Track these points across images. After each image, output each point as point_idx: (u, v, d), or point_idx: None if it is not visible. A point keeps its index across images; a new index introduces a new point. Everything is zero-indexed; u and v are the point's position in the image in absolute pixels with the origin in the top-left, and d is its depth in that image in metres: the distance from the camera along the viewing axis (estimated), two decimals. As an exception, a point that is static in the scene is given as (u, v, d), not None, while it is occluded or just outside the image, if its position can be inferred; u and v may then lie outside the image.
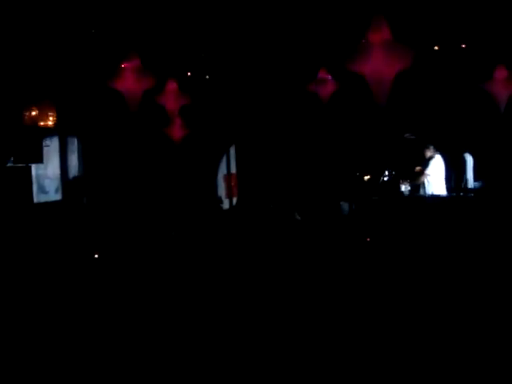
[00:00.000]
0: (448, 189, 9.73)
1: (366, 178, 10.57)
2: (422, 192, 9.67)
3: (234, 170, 12.15)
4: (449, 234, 8.13)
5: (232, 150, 12.18)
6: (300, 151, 11.43)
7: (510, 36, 8.59)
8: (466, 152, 10.43)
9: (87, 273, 7.13)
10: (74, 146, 10.72)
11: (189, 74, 10.62)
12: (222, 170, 12.11)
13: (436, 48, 9.28)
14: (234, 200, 12.03)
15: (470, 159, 10.44)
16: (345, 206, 10.35)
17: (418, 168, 9.71)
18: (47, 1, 7.32)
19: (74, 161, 10.70)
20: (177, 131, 9.59)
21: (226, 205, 11.98)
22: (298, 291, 6.24)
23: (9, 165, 9.35)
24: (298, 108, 10.91)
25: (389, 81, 5.51)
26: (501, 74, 8.29)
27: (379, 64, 5.51)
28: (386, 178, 9.83)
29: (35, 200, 9.76)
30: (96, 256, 7.78)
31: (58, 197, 10.39)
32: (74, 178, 10.71)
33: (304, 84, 9.08)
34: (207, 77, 11.02)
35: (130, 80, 6.98)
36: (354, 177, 10.44)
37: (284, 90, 10.77)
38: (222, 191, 12.09)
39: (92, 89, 9.67)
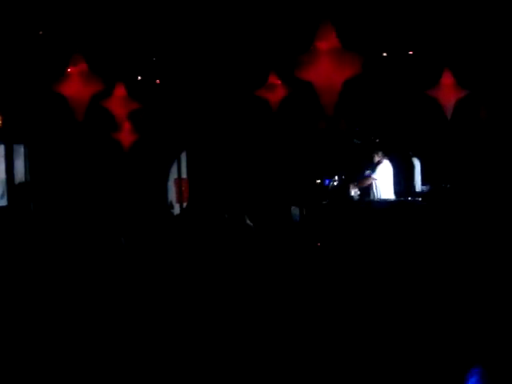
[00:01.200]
0: (396, 193, 9.86)
1: (317, 181, 10.65)
2: (370, 196, 9.79)
3: (184, 174, 12.08)
4: (397, 238, 8.24)
5: (183, 155, 12.11)
6: (251, 156, 11.44)
7: (456, 42, 8.76)
8: (413, 157, 10.61)
9: (33, 278, 6.97)
10: (19, 151, 10.50)
11: (139, 78, 10.52)
12: (173, 175, 12.03)
13: (384, 54, 9.40)
14: (185, 205, 11.95)
15: (417, 164, 10.62)
16: (295, 210, 10.39)
17: (367, 172, 9.83)
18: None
19: (19, 167, 10.48)
20: (126, 136, 9.46)
21: (176, 210, 11.89)
22: (248, 297, 6.21)
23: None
24: (248, 113, 10.91)
25: (337, 88, 5.53)
26: (447, 80, 8.43)
27: (327, 71, 5.53)
28: (335, 183, 9.92)
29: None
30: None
31: (3, 202, 10.16)
32: (20, 183, 10.49)
33: (254, 89, 9.08)
34: (158, 81, 10.93)
35: (76, 85, 6.84)
36: (305, 182, 10.50)
37: (235, 95, 10.75)
38: (172, 196, 12.01)
39: (38, 94, 9.48)
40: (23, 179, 10.55)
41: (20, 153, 10.50)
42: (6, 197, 10.26)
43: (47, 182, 10.51)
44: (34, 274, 7.42)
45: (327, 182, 10.00)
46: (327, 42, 5.51)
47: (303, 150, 11.06)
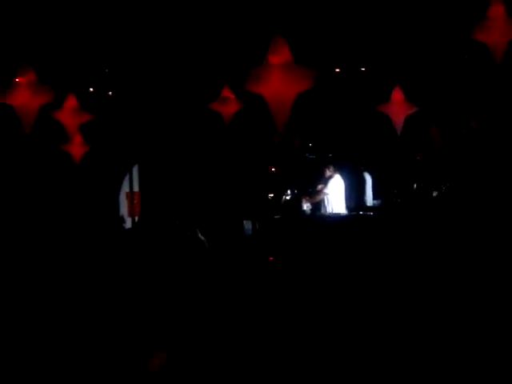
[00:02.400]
0: (348, 207, 9.95)
1: (270, 196, 10.66)
2: (322, 210, 9.84)
3: (136, 188, 11.94)
4: (349, 251, 8.30)
5: (135, 168, 11.97)
6: (203, 170, 11.39)
7: (407, 59, 8.92)
8: (365, 171, 10.73)
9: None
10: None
11: (91, 89, 10.39)
12: (125, 189, 11.87)
13: (337, 70, 9.51)
14: (137, 219, 11.81)
15: (369, 178, 10.74)
16: (248, 224, 10.38)
17: (319, 186, 9.89)
18: None
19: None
20: (76, 148, 9.30)
21: (128, 224, 11.73)
22: (201, 312, 6.16)
23: None
24: (201, 126, 10.88)
25: (288, 103, 5.54)
26: (397, 96, 8.55)
27: (279, 86, 5.53)
28: (288, 197, 9.95)
29: None
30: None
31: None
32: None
33: (207, 102, 9.05)
34: (110, 93, 10.81)
35: (24, 95, 6.69)
36: (257, 196, 10.50)
37: (187, 109, 10.71)
38: (124, 210, 11.85)
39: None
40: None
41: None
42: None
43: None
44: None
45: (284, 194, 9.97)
46: (279, 57, 5.52)
47: (256, 163, 11.07)
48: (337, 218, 9.57)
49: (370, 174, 10.68)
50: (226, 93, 8.94)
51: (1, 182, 10.17)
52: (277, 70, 5.50)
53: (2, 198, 10.13)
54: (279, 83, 5.53)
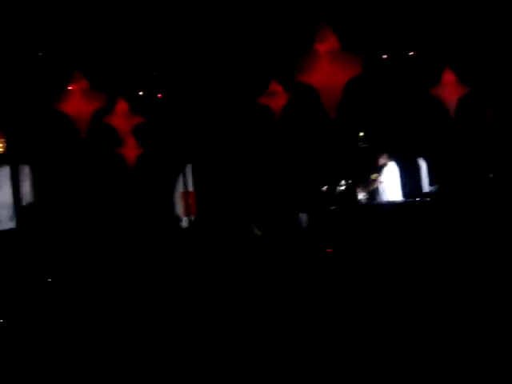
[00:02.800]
0: (404, 194, 9.81)
1: (324, 188, 10.60)
2: (378, 199, 9.74)
3: (191, 187, 12.04)
4: (408, 239, 8.18)
5: (188, 168, 12.07)
6: (256, 165, 11.40)
7: (457, 40, 8.73)
8: (419, 157, 10.56)
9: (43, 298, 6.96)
10: (25, 173, 10.49)
11: (140, 93, 10.52)
12: (179, 188, 11.98)
13: (384, 56, 9.38)
14: (193, 218, 11.90)
15: (423, 164, 10.56)
16: (303, 217, 10.34)
17: (374, 175, 9.78)
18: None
19: (26, 188, 10.47)
20: (130, 151, 9.45)
21: (184, 223, 11.84)
22: (261, 307, 6.17)
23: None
24: (251, 122, 10.89)
25: (338, 90, 5.50)
26: (448, 77, 8.39)
27: (328, 73, 5.50)
28: (342, 187, 9.88)
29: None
30: (49, 280, 7.60)
31: (11, 225, 10.15)
32: (27, 205, 10.48)
33: (256, 97, 9.07)
34: (159, 95, 10.93)
35: (77, 102, 6.84)
36: (312, 188, 10.45)
37: (236, 105, 10.74)
38: (179, 209, 11.96)
39: (40, 113, 9.49)
40: (29, 201, 10.54)
41: (25, 175, 10.49)
42: (14, 219, 10.24)
43: (54, 202, 10.48)
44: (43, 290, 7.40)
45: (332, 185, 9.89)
46: (327, 44, 5.48)
47: (308, 156, 11.02)
48: (393, 205, 9.45)
49: (425, 159, 10.51)
50: (274, 86, 8.94)
51: (61, 187, 10.40)
52: (325, 57, 5.46)
53: (64, 202, 10.36)
54: (328, 71, 5.50)
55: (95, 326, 5.76)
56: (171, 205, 11.86)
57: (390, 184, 9.66)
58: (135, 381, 4.63)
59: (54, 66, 8.08)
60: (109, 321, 5.97)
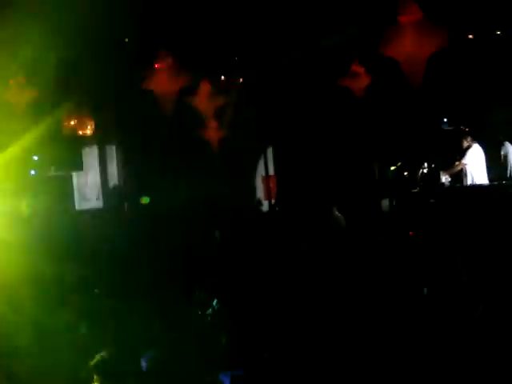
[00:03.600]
0: (490, 178, 9.53)
1: (405, 172, 10.44)
2: (462, 182, 9.51)
3: (272, 171, 12.11)
4: (493, 223, 7.97)
5: (269, 152, 12.14)
6: (337, 148, 11.34)
7: None
8: (506, 141, 10.23)
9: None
10: (112, 154, 10.85)
11: (222, 77, 10.66)
12: (261, 172, 12.07)
13: (470, 36, 9.13)
14: (273, 201, 11.98)
15: (510, 148, 10.23)
16: (385, 201, 10.25)
17: (458, 158, 9.56)
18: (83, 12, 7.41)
19: (113, 169, 10.83)
20: (213, 134, 9.62)
21: (265, 207, 11.94)
22: (344, 289, 6.17)
23: (51, 174, 9.53)
24: (332, 104, 10.84)
25: (422, 61, 5.42)
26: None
27: (412, 45, 5.44)
28: (425, 170, 9.70)
29: (77, 207, 9.91)
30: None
31: (99, 204, 10.52)
32: (114, 185, 10.83)
33: (337, 79, 9.04)
34: (241, 80, 11.04)
35: (163, 80, 7.03)
36: (394, 171, 10.31)
37: (317, 87, 10.71)
38: (260, 193, 12.06)
39: (127, 97, 9.77)
40: (116, 181, 10.89)
41: (112, 156, 10.85)
42: (101, 198, 10.61)
43: (139, 183, 10.79)
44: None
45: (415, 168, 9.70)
46: (410, 15, 5.42)
47: (390, 138, 10.86)
48: (478, 188, 9.21)
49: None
50: (356, 68, 8.89)
51: (147, 170, 10.67)
52: (408, 28, 5.40)
53: (149, 185, 10.62)
54: (412, 43, 5.43)
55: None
56: (252, 188, 11.98)
57: (474, 167, 9.40)
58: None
59: (141, 47, 8.30)
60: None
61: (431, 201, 9.33)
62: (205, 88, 8.86)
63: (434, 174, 9.62)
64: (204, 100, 8.92)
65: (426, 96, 8.06)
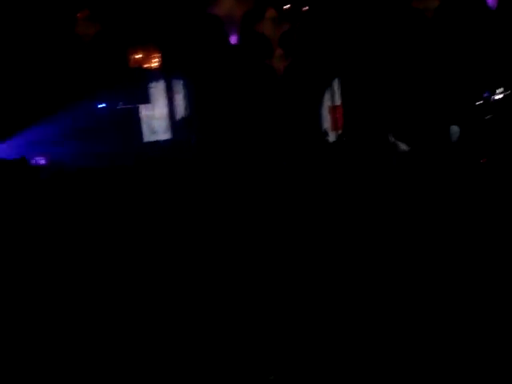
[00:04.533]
0: None
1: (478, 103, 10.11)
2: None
3: (338, 101, 11.90)
4: None
5: (336, 82, 11.91)
6: (405, 77, 11.02)
7: None
8: None
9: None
10: (179, 86, 10.87)
11: (286, 6, 10.45)
12: (327, 102, 11.89)
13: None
14: (340, 132, 11.83)
15: None
16: (455, 129, 9.98)
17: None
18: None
19: (180, 101, 10.87)
20: (278, 62, 9.51)
21: (332, 138, 11.80)
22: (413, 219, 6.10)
23: (118, 107, 9.66)
24: (401, 28, 10.49)
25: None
26: None
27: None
28: (499, 96, 9.36)
29: (145, 140, 10.06)
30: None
31: (167, 136, 10.63)
32: (182, 118, 10.90)
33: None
34: (307, 8, 10.80)
35: (228, 4, 6.97)
36: (464, 97, 10.00)
37: (387, 10, 10.38)
38: (327, 124, 11.91)
39: (193, 27, 9.70)
40: (184, 114, 10.94)
41: (180, 88, 10.86)
42: (169, 131, 10.71)
43: (207, 116, 10.81)
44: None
45: (486, 94, 9.42)
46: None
47: (461, 62, 10.48)
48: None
49: None
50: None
51: (214, 103, 10.66)
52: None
53: (217, 118, 10.64)
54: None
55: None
56: (318, 118, 11.83)
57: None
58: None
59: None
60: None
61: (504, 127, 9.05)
62: (271, 14, 8.74)
63: (508, 99, 9.30)
64: (270, 26, 8.80)
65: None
